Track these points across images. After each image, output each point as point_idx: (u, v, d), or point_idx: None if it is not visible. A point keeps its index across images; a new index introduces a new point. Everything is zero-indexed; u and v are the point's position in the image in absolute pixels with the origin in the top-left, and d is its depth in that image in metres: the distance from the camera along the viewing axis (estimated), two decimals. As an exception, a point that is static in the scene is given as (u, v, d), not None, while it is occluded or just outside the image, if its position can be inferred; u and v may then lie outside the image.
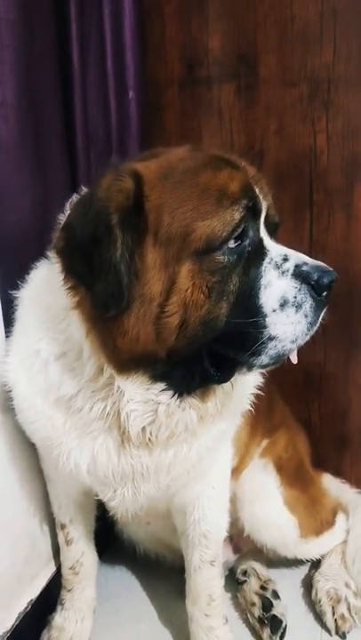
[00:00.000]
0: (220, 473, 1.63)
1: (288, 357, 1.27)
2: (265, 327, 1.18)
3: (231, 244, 1.18)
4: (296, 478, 1.94)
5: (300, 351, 2.30)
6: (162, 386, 1.27)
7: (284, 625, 1.81)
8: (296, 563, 2.07)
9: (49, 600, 1.86)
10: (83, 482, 1.44)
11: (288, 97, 2.13)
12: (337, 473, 2.31)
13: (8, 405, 1.46)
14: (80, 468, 1.38)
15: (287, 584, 2.02)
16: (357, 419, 2.35)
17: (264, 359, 1.21)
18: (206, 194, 1.18)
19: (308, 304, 1.20)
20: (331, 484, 2.21)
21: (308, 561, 2.05)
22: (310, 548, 1.97)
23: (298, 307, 1.19)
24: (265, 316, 1.19)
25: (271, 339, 1.18)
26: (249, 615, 1.88)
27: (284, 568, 2.09)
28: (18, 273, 1.52)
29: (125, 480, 1.40)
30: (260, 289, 1.20)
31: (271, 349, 1.20)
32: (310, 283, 1.20)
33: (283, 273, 1.21)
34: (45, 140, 1.80)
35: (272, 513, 1.86)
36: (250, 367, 1.25)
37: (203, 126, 2.27)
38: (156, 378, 1.26)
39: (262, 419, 1.97)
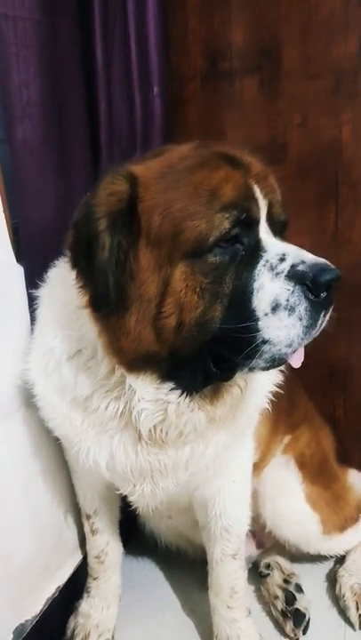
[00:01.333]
0: (240, 468, 1.64)
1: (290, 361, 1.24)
2: (258, 331, 1.16)
3: (223, 245, 1.17)
4: (319, 475, 1.94)
5: (325, 346, 2.29)
6: (170, 385, 1.29)
7: (307, 618, 1.83)
8: (320, 558, 2.07)
9: (76, 588, 1.93)
10: (103, 477, 1.48)
11: (311, 89, 2.10)
12: (362, 468, 2.29)
13: (31, 402, 1.51)
14: (99, 465, 1.42)
15: (311, 579, 2.04)
16: (384, 413, 2.33)
17: (260, 362, 1.19)
18: (197, 194, 1.17)
19: (302, 307, 1.14)
20: (356, 480, 2.19)
21: (331, 557, 2.05)
22: (334, 544, 1.97)
23: (291, 310, 1.14)
24: (257, 319, 1.16)
25: (265, 342, 1.16)
26: (272, 608, 1.90)
27: (308, 563, 2.09)
28: (41, 270, 1.56)
29: (144, 476, 1.43)
30: (252, 292, 1.17)
31: (266, 353, 1.17)
32: (306, 283, 1.14)
33: (277, 275, 1.16)
34: (69, 138, 1.82)
35: (294, 510, 1.86)
36: (248, 369, 1.24)
37: (225, 120, 2.26)
38: (164, 377, 1.28)
39: (284, 415, 1.97)
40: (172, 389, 1.29)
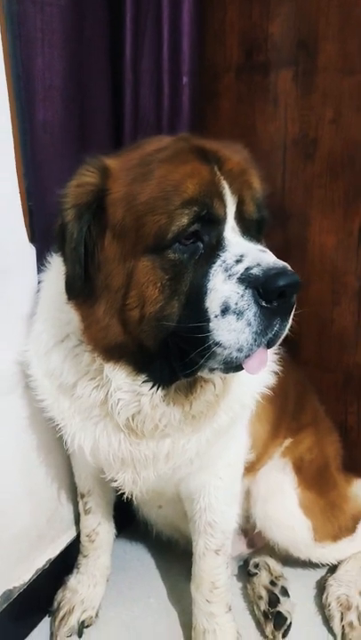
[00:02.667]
0: (229, 465, 1.64)
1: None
2: (209, 332, 1.14)
3: (184, 242, 1.15)
4: (316, 481, 1.90)
5: (342, 350, 2.28)
6: (144, 377, 1.30)
7: (288, 622, 1.81)
8: (313, 564, 2.04)
9: (68, 563, 1.99)
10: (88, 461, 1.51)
11: (347, 85, 2.03)
12: (371, 479, 2.23)
13: (28, 383, 1.56)
14: (83, 451, 1.45)
15: (301, 584, 2.01)
16: (396, 426, 2.25)
17: (213, 364, 1.18)
18: (160, 188, 1.16)
19: (251, 312, 1.10)
20: (361, 490, 2.14)
21: (323, 565, 2.01)
22: (325, 553, 1.94)
23: (239, 314, 1.11)
24: (209, 320, 1.14)
25: (217, 344, 1.14)
26: (255, 608, 1.89)
27: (301, 568, 2.07)
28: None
29: (126, 465, 1.46)
30: (206, 292, 1.15)
31: (218, 355, 1.15)
32: (257, 288, 1.10)
33: (230, 276, 1.13)
34: (91, 124, 1.85)
35: (285, 513, 1.84)
36: (208, 369, 1.22)
37: (257, 113, 2.22)
38: (138, 369, 1.29)
39: (288, 418, 1.94)
40: (144, 381, 1.30)
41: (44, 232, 1.70)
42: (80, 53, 1.74)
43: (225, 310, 1.12)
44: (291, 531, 1.85)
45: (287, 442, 1.95)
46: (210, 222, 1.18)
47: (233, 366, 1.18)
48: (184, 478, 1.57)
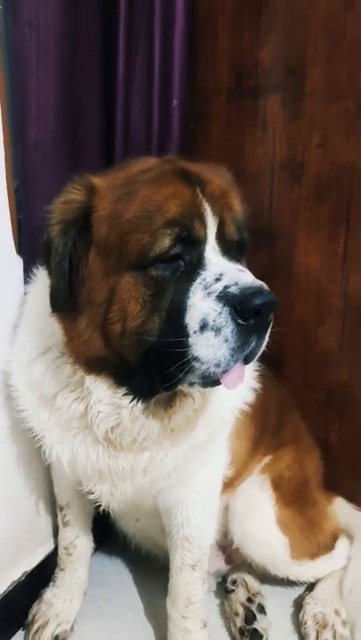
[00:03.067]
0: (206, 480, 1.65)
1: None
2: (188, 347, 1.17)
3: (165, 260, 1.19)
4: (295, 498, 1.92)
5: (326, 368, 2.31)
6: (124, 390, 1.32)
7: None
8: (291, 582, 2.04)
9: (45, 576, 1.98)
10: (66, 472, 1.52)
11: (333, 111, 2.10)
12: (351, 498, 2.24)
13: (9, 393, 1.58)
14: (61, 462, 1.47)
15: (278, 601, 2.01)
16: (377, 445, 2.27)
17: (192, 378, 1.21)
18: (144, 208, 1.20)
19: (228, 329, 1.14)
20: (341, 508, 2.15)
21: (301, 583, 2.02)
22: (303, 571, 1.94)
23: (217, 331, 1.14)
24: (188, 336, 1.17)
25: (195, 359, 1.17)
26: (231, 624, 1.89)
27: (279, 586, 2.06)
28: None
29: (103, 477, 1.47)
30: (186, 309, 1.18)
31: (197, 370, 1.18)
32: (235, 306, 1.14)
33: (209, 294, 1.16)
34: (83, 143, 1.90)
35: (263, 530, 1.85)
36: (188, 383, 1.25)
37: (246, 136, 2.28)
38: (118, 382, 1.32)
39: (269, 435, 1.96)
40: (124, 394, 1.33)
41: (32, 245, 1.73)
42: (74, 75, 1.79)
43: (203, 327, 1.16)
44: (268, 547, 1.85)
45: (267, 458, 1.96)
46: (191, 243, 1.22)
47: (211, 381, 1.22)
48: (162, 492, 1.58)
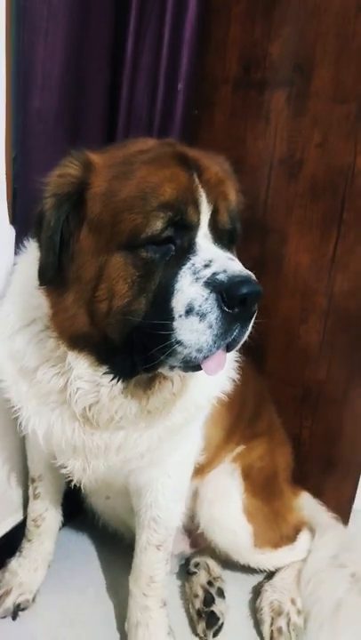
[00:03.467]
0: (178, 463, 1.68)
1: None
2: (173, 330, 1.18)
3: (156, 243, 1.20)
4: (263, 489, 1.96)
5: (304, 365, 2.34)
6: (105, 369, 1.34)
7: (220, 623, 1.86)
8: (253, 570, 2.09)
9: (12, 546, 2.00)
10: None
11: (336, 112, 2.11)
12: (317, 494, 2.30)
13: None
14: (36, 435, 1.48)
15: (238, 587, 2.07)
16: (347, 445, 2.33)
17: (173, 361, 1.22)
18: (139, 188, 1.20)
19: (213, 315, 1.15)
20: (306, 503, 2.21)
21: (261, 571, 2.07)
22: (264, 559, 1.99)
23: (202, 316, 1.15)
24: (173, 319, 1.18)
25: (178, 343, 1.18)
26: (190, 606, 1.94)
27: (240, 572, 2.12)
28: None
29: (77, 453, 1.48)
30: (173, 292, 1.19)
31: (179, 354, 1.19)
32: (221, 293, 1.14)
33: (197, 279, 1.17)
34: (85, 118, 1.88)
35: (229, 517, 1.89)
36: (169, 366, 1.26)
37: (248, 128, 2.29)
38: (100, 360, 1.33)
39: (243, 425, 1.99)
40: (105, 373, 1.34)
41: (26, 215, 1.72)
42: (82, 47, 1.77)
43: (189, 311, 1.16)
44: (233, 534, 1.90)
45: (240, 448, 2.00)
46: (183, 227, 1.22)
47: (192, 365, 1.22)
48: (133, 471, 1.60)
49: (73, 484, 1.63)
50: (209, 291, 1.15)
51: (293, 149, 2.23)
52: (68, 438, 1.45)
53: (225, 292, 1.14)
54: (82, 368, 1.34)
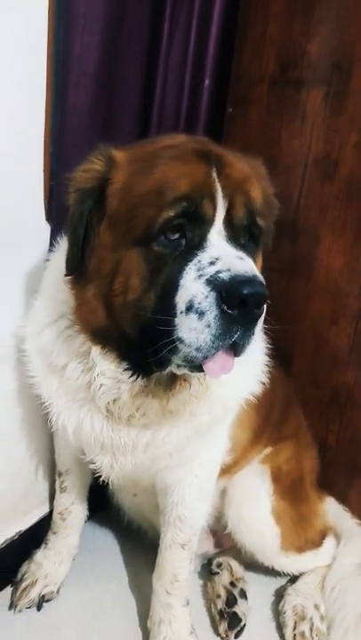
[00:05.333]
0: (205, 464, 1.68)
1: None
2: (175, 327, 1.16)
3: (168, 236, 1.19)
4: (290, 492, 1.94)
5: (332, 368, 2.32)
6: (125, 365, 1.35)
7: (242, 624, 1.85)
8: (275, 572, 2.08)
9: (38, 538, 2.02)
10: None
11: (375, 112, 2.07)
12: (342, 499, 2.27)
13: (21, 357, 1.60)
14: (66, 430, 1.50)
15: (260, 589, 2.06)
16: (375, 451, 2.29)
17: (176, 359, 1.20)
18: (156, 184, 1.20)
19: (211, 314, 1.11)
20: (331, 508, 2.19)
21: (285, 574, 2.05)
22: (289, 562, 1.98)
23: (200, 314, 1.12)
24: (175, 315, 1.16)
25: (180, 340, 1.16)
26: (212, 606, 1.94)
27: (262, 574, 2.11)
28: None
29: (105, 449, 1.50)
30: (177, 288, 1.17)
31: (181, 352, 1.17)
32: (221, 292, 1.11)
33: (200, 276, 1.14)
34: (119, 113, 1.90)
35: (257, 518, 1.88)
36: (176, 365, 1.23)
37: (284, 127, 2.26)
38: (121, 357, 1.34)
39: (271, 428, 1.98)
40: (125, 369, 1.35)
41: (61, 213, 1.74)
42: (117, 43, 1.78)
43: (189, 308, 1.14)
44: (260, 536, 1.89)
45: (268, 450, 1.99)
46: (196, 220, 1.20)
47: (194, 365, 1.20)
48: (161, 470, 1.60)
49: (101, 480, 1.65)
50: (210, 289, 1.12)
51: (329, 149, 2.19)
52: (97, 434, 1.47)
53: (225, 291, 1.10)
54: (104, 364, 1.36)
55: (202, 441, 1.55)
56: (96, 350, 1.35)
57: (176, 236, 1.20)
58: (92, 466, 1.59)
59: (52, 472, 1.98)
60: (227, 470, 1.83)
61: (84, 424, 1.47)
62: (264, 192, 1.35)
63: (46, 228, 1.73)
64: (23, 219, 1.64)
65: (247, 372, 1.53)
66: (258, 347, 1.60)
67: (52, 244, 1.70)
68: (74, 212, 1.29)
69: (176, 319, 1.16)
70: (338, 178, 2.20)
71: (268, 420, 1.97)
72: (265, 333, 1.68)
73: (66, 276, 1.35)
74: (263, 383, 1.59)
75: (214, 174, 1.22)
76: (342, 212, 2.22)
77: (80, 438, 1.51)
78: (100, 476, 1.64)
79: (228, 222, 1.24)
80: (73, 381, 1.43)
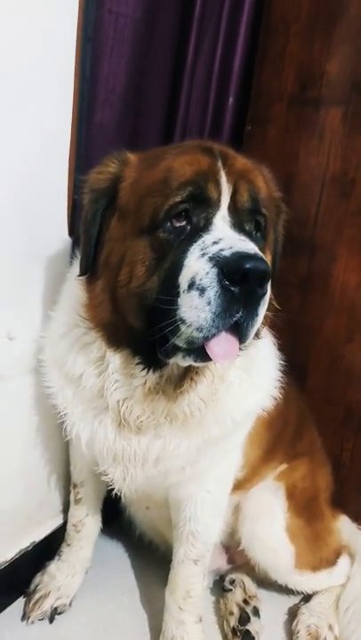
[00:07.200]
0: (218, 479, 1.68)
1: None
2: (177, 307, 1.16)
3: (174, 223, 1.22)
4: (305, 510, 1.93)
5: (347, 385, 2.31)
6: (137, 359, 1.37)
7: (254, 642, 1.83)
8: (288, 590, 2.06)
9: (51, 549, 2.02)
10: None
11: (393, 132, 2.09)
12: (355, 518, 2.25)
13: (38, 367, 1.63)
14: (80, 440, 1.51)
15: (273, 607, 2.04)
16: (390, 469, 2.28)
17: (179, 341, 1.20)
18: (162, 174, 1.25)
19: (212, 290, 1.11)
20: (345, 527, 2.17)
21: (299, 592, 2.04)
22: (303, 581, 1.96)
23: (201, 291, 1.12)
24: (178, 295, 1.17)
25: (182, 320, 1.15)
26: (225, 623, 1.92)
27: (276, 592, 2.09)
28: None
29: (117, 461, 1.51)
30: (182, 268, 1.18)
31: (184, 333, 1.16)
32: (222, 268, 1.11)
33: (203, 255, 1.15)
34: (144, 130, 1.95)
35: (271, 535, 1.87)
36: (182, 354, 1.23)
37: (302, 145, 2.28)
38: (132, 353, 1.37)
39: (285, 444, 1.98)
40: (137, 364, 1.37)
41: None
42: (144, 64, 1.82)
43: (191, 285, 1.15)
44: (274, 553, 1.88)
45: (283, 467, 1.98)
46: (201, 203, 1.23)
47: (196, 347, 1.19)
48: (174, 485, 1.61)
49: (114, 493, 1.65)
50: (211, 265, 1.13)
51: (347, 168, 2.21)
52: (110, 444, 1.48)
53: (226, 266, 1.11)
54: (117, 362, 1.39)
55: (213, 455, 1.55)
56: (110, 351, 1.38)
57: (182, 223, 1.23)
58: (104, 478, 1.60)
59: (67, 483, 1.99)
60: (239, 486, 1.83)
61: (98, 434, 1.49)
62: (269, 188, 1.40)
63: (69, 243, 1.75)
64: (47, 232, 1.67)
65: (258, 385, 1.55)
66: (271, 361, 1.62)
67: (71, 258, 1.72)
68: (87, 211, 1.34)
69: (179, 299, 1.17)
70: (355, 196, 2.21)
71: (283, 437, 1.96)
72: (279, 349, 1.69)
73: (79, 275, 1.39)
74: (275, 398, 1.59)
75: (219, 164, 1.27)
76: (358, 230, 2.23)
77: (93, 448, 1.53)
78: (114, 489, 1.65)
79: (233, 209, 1.27)
80: (88, 389, 1.46)
